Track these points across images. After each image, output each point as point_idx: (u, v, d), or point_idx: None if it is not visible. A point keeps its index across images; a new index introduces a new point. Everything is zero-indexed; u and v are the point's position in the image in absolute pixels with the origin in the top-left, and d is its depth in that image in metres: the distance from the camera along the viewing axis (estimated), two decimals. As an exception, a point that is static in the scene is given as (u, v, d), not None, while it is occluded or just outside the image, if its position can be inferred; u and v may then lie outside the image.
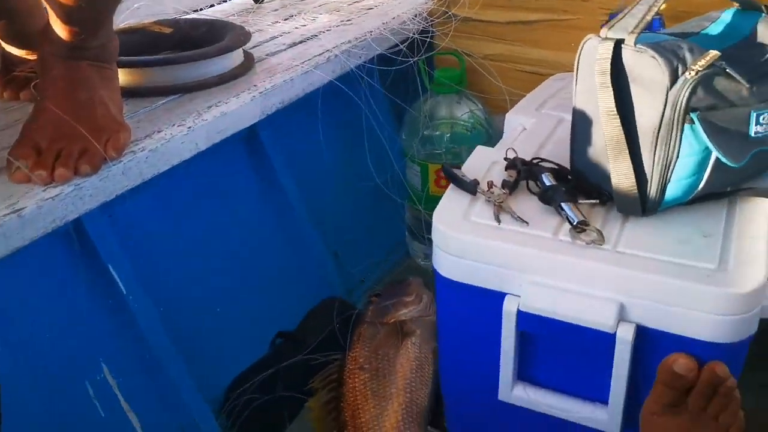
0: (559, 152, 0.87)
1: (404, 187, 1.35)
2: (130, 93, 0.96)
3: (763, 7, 0.81)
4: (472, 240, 0.75)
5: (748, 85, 0.69)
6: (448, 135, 1.28)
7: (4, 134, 0.88)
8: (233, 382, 1.08)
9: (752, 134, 0.71)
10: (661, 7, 0.73)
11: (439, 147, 1.26)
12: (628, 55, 0.71)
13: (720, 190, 0.77)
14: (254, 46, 1.17)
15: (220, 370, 1.08)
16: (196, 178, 1.04)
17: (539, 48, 1.25)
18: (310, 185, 1.22)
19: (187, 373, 0.99)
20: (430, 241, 1.32)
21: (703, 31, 0.81)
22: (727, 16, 0.82)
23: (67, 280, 0.89)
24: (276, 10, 1.39)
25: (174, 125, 0.88)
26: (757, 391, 0.80)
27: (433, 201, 1.30)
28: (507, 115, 1.03)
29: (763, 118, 0.71)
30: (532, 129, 0.98)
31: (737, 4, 0.82)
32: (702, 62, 0.68)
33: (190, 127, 0.89)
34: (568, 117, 0.98)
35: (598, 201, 0.79)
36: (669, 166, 0.72)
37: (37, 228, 0.74)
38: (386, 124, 1.26)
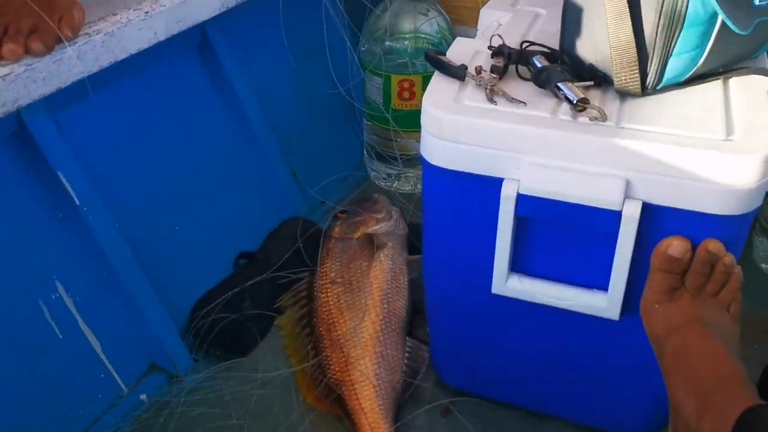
0: (543, 41, 0.83)
1: (363, 102, 1.29)
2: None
3: None
4: (467, 121, 0.71)
5: (755, -52, 0.66)
6: (412, 48, 1.22)
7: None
8: (198, 303, 1.02)
9: (756, 2, 0.68)
10: None
11: (404, 57, 1.20)
12: None
13: (715, 70, 0.75)
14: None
15: (183, 290, 1.01)
16: (149, 86, 0.96)
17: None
18: (267, 95, 1.15)
19: (150, 290, 0.92)
20: (394, 159, 1.30)
21: None
22: None
23: (13, 186, 0.81)
24: None
25: (130, 9, 0.80)
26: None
27: (397, 115, 1.27)
28: (481, 11, 0.99)
29: (768, -14, 0.68)
30: (508, 24, 0.94)
31: None
32: None
33: (147, 12, 0.81)
34: (545, 12, 0.95)
35: (593, 83, 0.75)
36: (673, 37, 0.69)
37: (-17, 111, 0.66)
38: (347, 31, 1.20)
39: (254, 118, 1.13)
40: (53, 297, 0.84)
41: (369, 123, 1.31)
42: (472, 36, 0.96)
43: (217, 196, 1.08)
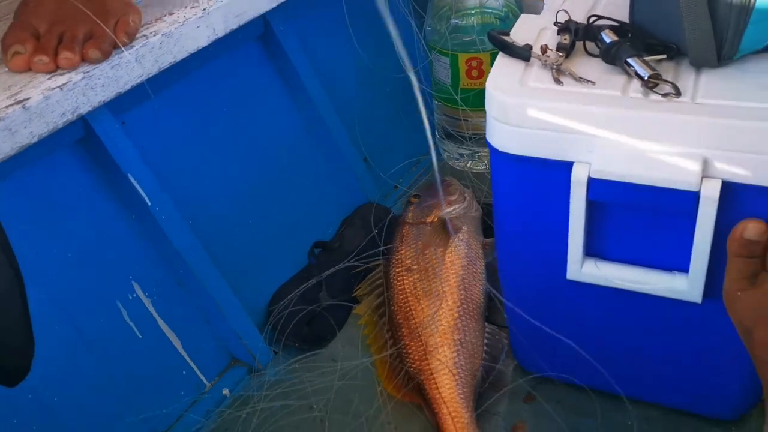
0: (612, 14, 0.79)
1: (432, 83, 1.27)
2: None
3: None
4: (533, 105, 0.68)
5: None
6: (479, 24, 1.19)
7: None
8: (274, 296, 1.04)
9: None
10: None
11: (470, 34, 1.18)
12: None
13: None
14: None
15: (260, 284, 1.03)
16: (213, 81, 0.97)
17: None
18: (334, 85, 1.14)
19: (226, 286, 0.94)
20: (465, 138, 1.27)
21: None
22: None
23: (84, 192, 0.83)
24: None
25: (187, 7, 0.80)
26: None
27: (466, 95, 1.24)
28: (548, -18, 0.94)
29: None
30: (577, -5, 0.90)
31: None
32: None
33: (204, 9, 0.81)
34: (617, -20, 0.90)
35: (665, 56, 0.71)
36: (749, 3, 0.64)
37: (46, 122, 0.67)
38: (412, 12, 1.17)
39: (322, 106, 1.12)
40: (131, 298, 0.87)
41: (438, 103, 1.29)
42: (540, 9, 0.93)
43: (289, 188, 1.09)
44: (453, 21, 1.18)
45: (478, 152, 1.28)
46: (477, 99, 1.21)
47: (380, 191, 1.23)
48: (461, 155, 1.30)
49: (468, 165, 1.30)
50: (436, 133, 1.34)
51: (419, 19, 1.22)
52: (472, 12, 1.19)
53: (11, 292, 0.53)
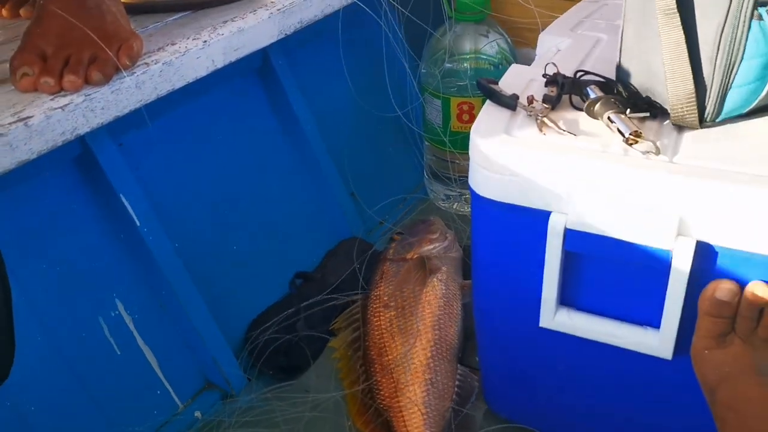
0: (599, 70, 0.81)
1: (423, 124, 1.29)
2: (135, 9, 0.90)
3: None
4: (515, 153, 0.70)
5: (821, -23, 0.63)
6: (472, 69, 1.21)
7: (4, 48, 0.82)
8: (253, 322, 1.04)
9: (824, 33, 0.65)
10: None
11: (463, 80, 1.20)
12: (691, -57, 0.65)
13: (780, 101, 0.71)
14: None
15: (238, 310, 1.03)
16: (209, 109, 0.99)
17: (571, -31, 1.18)
18: (327, 120, 1.17)
19: (206, 310, 0.95)
20: (452, 180, 1.29)
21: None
22: None
23: (76, 208, 0.85)
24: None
25: (189, 38, 0.83)
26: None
27: (456, 137, 1.26)
28: (540, 36, 0.97)
29: (836, 15, 0.65)
30: (567, 49, 0.92)
31: None
32: (774, -51, 0.62)
33: (205, 41, 0.83)
34: (606, 37, 0.93)
35: (648, 114, 0.73)
36: (732, 69, 0.66)
37: (45, 140, 0.69)
38: (406, 55, 1.20)
39: (313, 140, 1.14)
40: (113, 314, 0.88)
41: (428, 144, 1.31)
42: (534, 57, 0.96)
43: (275, 217, 1.11)
44: (447, 65, 1.21)
45: (464, 194, 1.30)
46: (466, 142, 1.21)
47: (365, 226, 1.24)
48: (447, 196, 1.32)
49: (454, 206, 1.32)
50: (424, 173, 1.36)
51: (414, 61, 1.24)
52: (467, 57, 1.22)
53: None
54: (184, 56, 0.80)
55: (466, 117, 1.22)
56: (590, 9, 1.04)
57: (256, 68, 1.05)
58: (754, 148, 0.66)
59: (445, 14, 1.19)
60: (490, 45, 1.21)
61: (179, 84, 0.81)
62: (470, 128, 1.20)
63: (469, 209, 1.30)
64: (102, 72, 0.72)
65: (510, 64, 1.21)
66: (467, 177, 1.25)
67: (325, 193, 1.18)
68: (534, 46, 1.03)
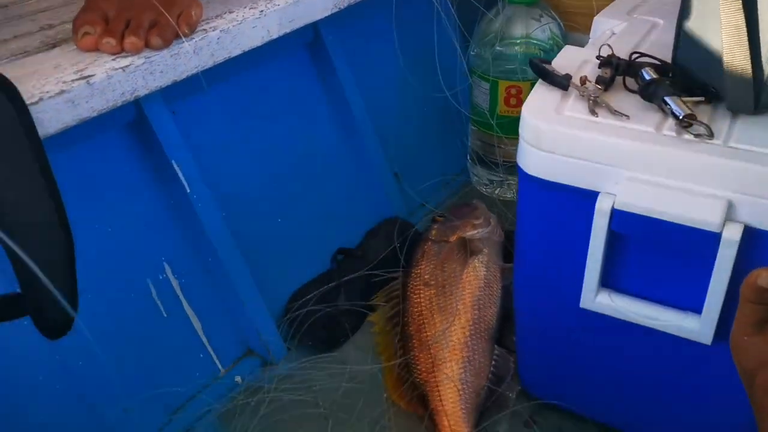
0: (656, 53, 0.80)
1: (470, 107, 1.29)
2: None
3: None
4: (566, 133, 0.70)
5: None
6: (523, 54, 1.21)
7: (67, 9, 0.84)
8: (295, 294, 1.06)
9: None
10: None
11: (513, 63, 1.20)
12: (756, -76, 0.64)
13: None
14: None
15: (282, 281, 1.05)
16: (261, 81, 1.00)
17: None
18: (374, 96, 1.17)
19: (251, 279, 0.97)
20: (496, 165, 1.29)
21: None
22: None
23: (130, 171, 0.87)
24: None
25: (246, 7, 0.84)
26: None
27: (502, 121, 1.26)
28: (595, 18, 0.97)
29: None
30: (622, 33, 0.91)
31: None
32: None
33: (262, 11, 0.84)
34: (662, 22, 0.92)
35: (703, 99, 0.72)
36: (791, 55, 0.65)
37: (106, 99, 0.71)
38: (458, 35, 1.20)
39: (359, 117, 1.15)
40: (161, 277, 0.90)
41: (474, 128, 1.31)
42: (586, 43, 0.95)
43: (319, 193, 1.12)
44: (497, 48, 1.21)
45: (507, 180, 1.30)
46: (512, 127, 1.21)
47: (407, 207, 1.25)
48: (491, 181, 1.32)
49: (497, 191, 1.32)
50: (468, 157, 1.36)
51: (464, 42, 1.24)
52: (518, 41, 1.21)
53: (64, 253, 0.56)
54: (241, 24, 0.82)
55: (513, 101, 1.22)
56: (647, -6, 1.02)
57: (308, 42, 1.06)
58: (811, 136, 0.66)
59: (498, -3, 1.18)
60: (542, 29, 1.21)
61: (236, 52, 0.82)
62: (517, 113, 1.20)
63: (512, 195, 1.30)
64: (161, 37, 0.74)
65: (561, 48, 1.21)
66: (512, 162, 1.27)
67: (369, 172, 1.19)
68: (587, 31, 1.02)
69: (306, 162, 1.10)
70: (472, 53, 1.25)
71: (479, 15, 1.20)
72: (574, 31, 1.24)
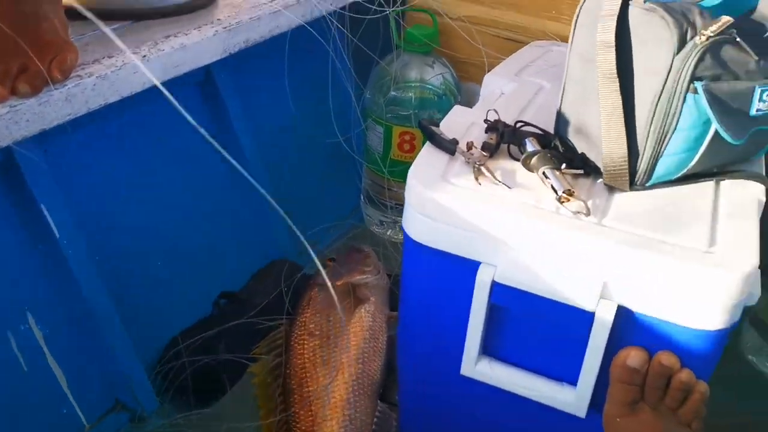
0: (540, 120, 0.82)
1: (364, 150, 1.28)
2: (76, 14, 0.86)
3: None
4: (450, 202, 0.70)
5: (756, 58, 0.65)
6: (416, 98, 1.21)
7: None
8: (171, 342, 1.01)
9: (753, 112, 0.67)
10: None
11: (407, 109, 1.20)
12: (635, 13, 0.66)
13: (708, 171, 0.73)
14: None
15: (158, 329, 1.00)
16: (144, 118, 0.95)
17: (519, 13, 1.19)
18: (266, 138, 1.14)
19: (121, 327, 0.91)
20: (388, 207, 1.29)
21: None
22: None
23: None
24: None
25: (128, 52, 0.79)
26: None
27: (395, 165, 1.26)
28: (485, 77, 0.98)
29: (767, 95, 0.67)
30: (511, 94, 0.93)
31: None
32: (714, 27, 0.63)
33: (145, 56, 0.80)
34: (549, 85, 0.94)
35: (582, 172, 0.74)
36: (665, 137, 0.68)
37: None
38: (351, 81, 1.19)
39: (249, 157, 1.12)
40: (22, 328, 0.84)
41: (367, 170, 1.30)
42: (477, 93, 0.96)
43: (205, 234, 1.08)
44: (392, 93, 1.20)
45: (398, 222, 1.29)
46: (405, 171, 1.21)
47: (297, 248, 1.22)
48: (382, 222, 1.31)
49: (388, 233, 1.31)
50: (361, 198, 1.35)
51: (359, 88, 1.24)
52: (412, 85, 1.21)
53: None
54: (120, 70, 0.77)
55: (407, 146, 1.22)
56: (536, 54, 1.05)
57: (198, 81, 1.02)
58: (678, 217, 0.68)
59: (393, 43, 1.18)
60: (436, 77, 1.22)
61: (113, 98, 0.78)
62: (410, 158, 1.22)
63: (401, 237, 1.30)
64: (30, 84, 0.69)
65: (453, 96, 1.23)
66: (402, 205, 1.27)
67: (258, 212, 1.16)
68: (478, 81, 1.03)
69: (192, 202, 1.06)
70: (367, 96, 1.24)
71: (374, 61, 1.20)
72: (468, 80, 1.26)
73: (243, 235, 1.14)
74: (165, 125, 0.98)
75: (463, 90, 1.25)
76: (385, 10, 1.07)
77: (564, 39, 1.05)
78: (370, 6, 1.06)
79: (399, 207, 1.27)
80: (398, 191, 1.25)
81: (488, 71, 1.01)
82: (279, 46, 1.05)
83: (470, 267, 0.70)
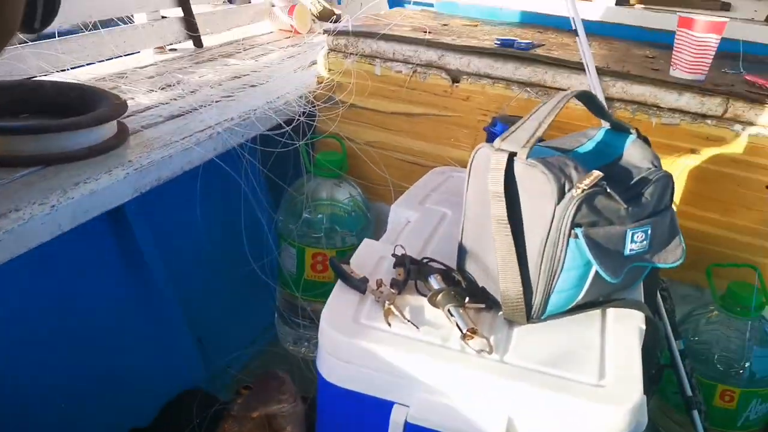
0: (444, 249, 0.88)
1: (278, 271, 1.31)
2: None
3: (631, 129, 0.87)
4: (361, 344, 0.73)
5: (625, 206, 0.73)
6: (327, 217, 1.26)
7: None
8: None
9: (627, 252, 0.75)
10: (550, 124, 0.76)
11: (318, 231, 1.24)
12: (519, 168, 0.73)
13: (595, 300, 0.80)
14: (128, 116, 1.09)
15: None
16: (50, 258, 0.95)
17: (421, 140, 1.27)
18: (179, 266, 1.15)
19: None
20: (301, 326, 1.30)
21: (580, 148, 0.85)
22: (600, 134, 0.87)
23: None
24: (151, 77, 1.33)
25: (35, 203, 0.79)
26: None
27: (308, 286, 1.28)
28: (392, 207, 1.03)
29: (637, 237, 0.75)
30: (416, 223, 0.99)
31: (608, 124, 0.88)
32: (587, 181, 0.71)
33: (53, 206, 0.80)
34: (451, 213, 1.01)
35: (484, 306, 0.79)
36: (554, 277, 0.74)
37: None
38: (265, 206, 1.23)
39: (159, 283, 1.13)
40: None
41: (280, 289, 1.32)
42: (387, 210, 1.01)
43: (112, 367, 1.06)
44: (305, 215, 1.24)
45: (313, 339, 1.31)
46: (318, 290, 1.26)
47: (211, 372, 1.22)
48: (296, 341, 1.33)
49: (302, 350, 1.33)
50: (276, 317, 1.36)
51: (272, 214, 1.27)
52: (324, 203, 1.26)
53: None
54: (27, 223, 0.77)
55: (320, 267, 1.26)
56: (437, 181, 1.12)
57: (108, 215, 1.02)
58: (572, 350, 0.74)
59: (303, 170, 1.23)
60: (346, 199, 1.27)
61: (20, 251, 0.77)
62: (323, 278, 1.25)
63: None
64: None
65: (363, 213, 1.28)
66: (316, 324, 1.29)
67: (169, 339, 1.15)
68: (386, 201, 1.08)
69: (97, 334, 1.04)
70: (280, 219, 1.27)
71: (286, 186, 1.24)
72: (376, 200, 1.32)
73: (154, 365, 1.14)
74: (70, 259, 0.98)
75: (373, 209, 1.31)
76: (295, 143, 1.12)
77: (463, 164, 1.13)
78: (280, 139, 1.11)
79: (313, 325, 1.29)
80: (312, 309, 1.27)
81: (393, 192, 1.06)
82: (191, 177, 1.07)
83: (384, 407, 0.73)
